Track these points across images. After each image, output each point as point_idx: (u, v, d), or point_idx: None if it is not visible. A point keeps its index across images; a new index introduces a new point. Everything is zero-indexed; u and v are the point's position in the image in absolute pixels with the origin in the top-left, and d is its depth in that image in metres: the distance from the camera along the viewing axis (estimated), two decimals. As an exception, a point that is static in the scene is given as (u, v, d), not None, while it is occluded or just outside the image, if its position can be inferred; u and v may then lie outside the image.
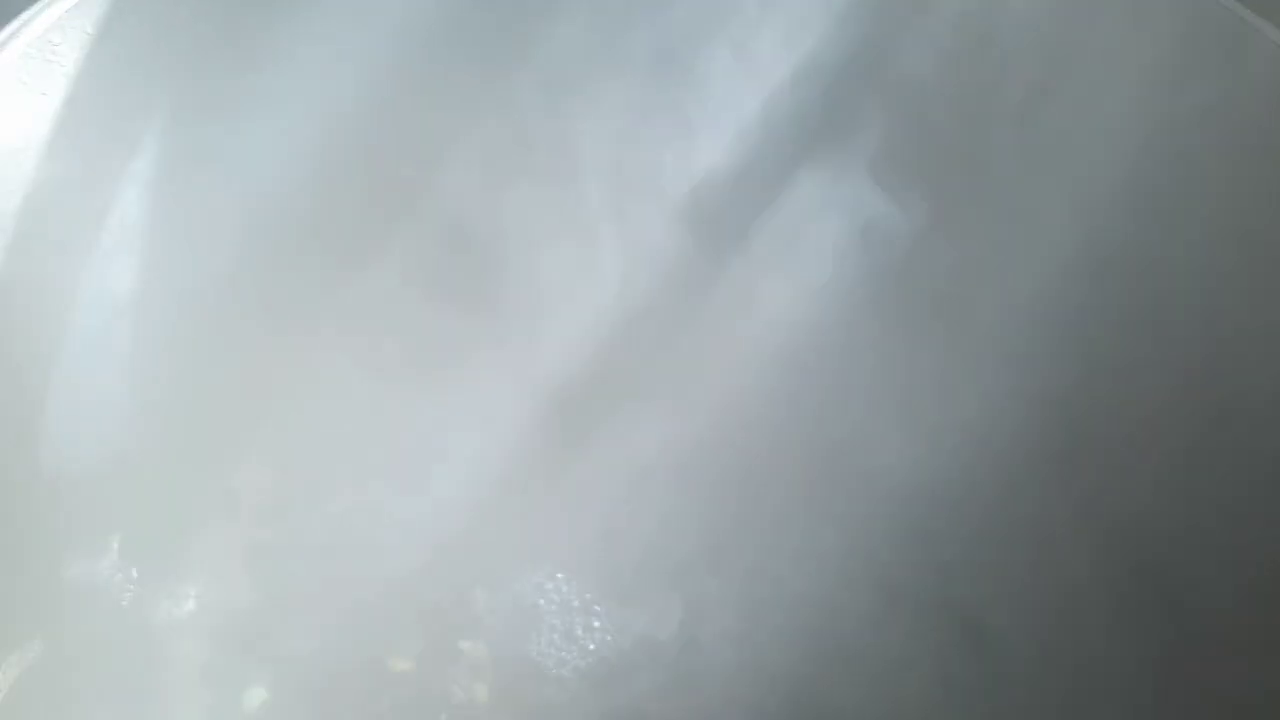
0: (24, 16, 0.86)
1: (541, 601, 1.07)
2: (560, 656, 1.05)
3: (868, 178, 1.03)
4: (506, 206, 1.09)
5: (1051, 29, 0.95)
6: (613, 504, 1.09)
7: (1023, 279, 1.01)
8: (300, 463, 1.14)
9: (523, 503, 1.10)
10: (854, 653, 1.02)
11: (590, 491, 1.09)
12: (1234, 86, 0.87)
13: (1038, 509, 1.04)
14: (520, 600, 1.08)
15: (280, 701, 1.03)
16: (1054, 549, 1.03)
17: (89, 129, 0.91)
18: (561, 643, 1.06)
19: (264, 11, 0.98)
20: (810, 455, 1.10)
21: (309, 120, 1.03)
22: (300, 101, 1.01)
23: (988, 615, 1.02)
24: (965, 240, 1.04)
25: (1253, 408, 0.90)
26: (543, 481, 1.09)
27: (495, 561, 1.09)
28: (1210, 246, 0.92)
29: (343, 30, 1.01)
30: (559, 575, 1.08)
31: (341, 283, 1.11)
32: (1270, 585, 0.88)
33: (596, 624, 1.06)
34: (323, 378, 1.11)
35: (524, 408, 1.11)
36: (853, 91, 1.01)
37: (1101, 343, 1.00)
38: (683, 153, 1.06)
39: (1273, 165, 0.87)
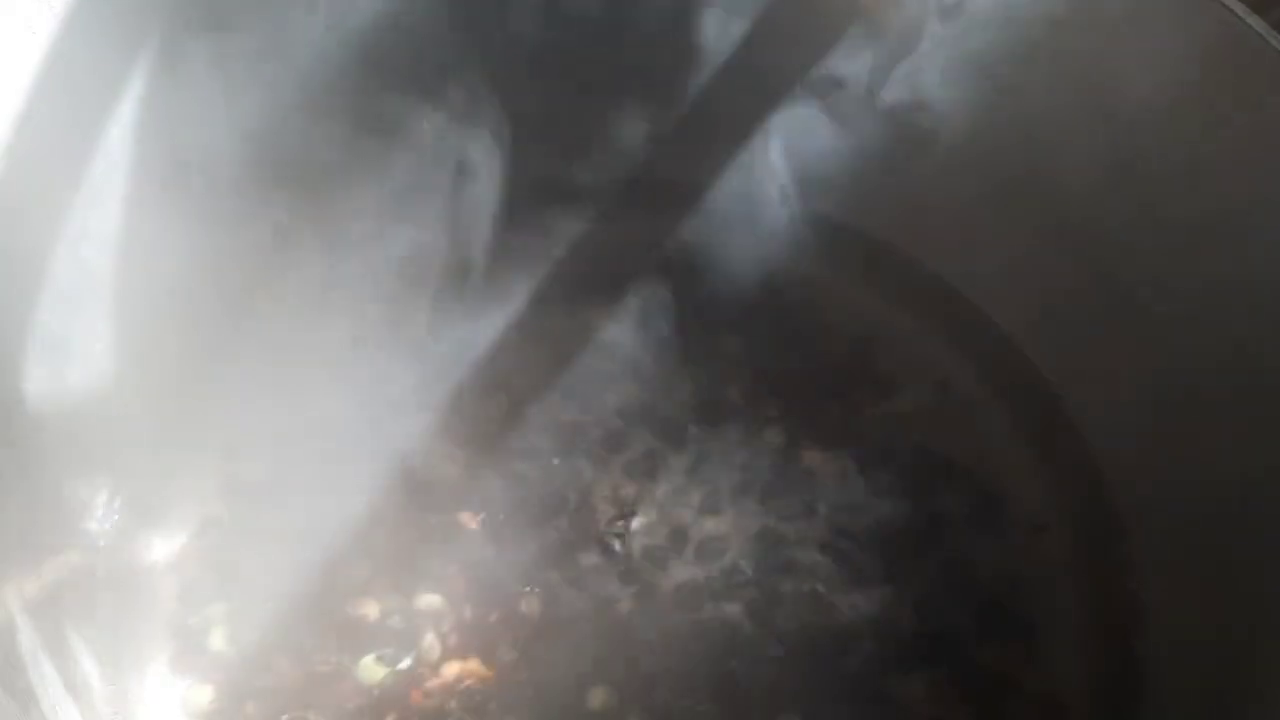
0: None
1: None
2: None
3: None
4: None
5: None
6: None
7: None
8: (280, 401, 1.16)
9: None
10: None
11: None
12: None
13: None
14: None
15: (244, 637, 1.05)
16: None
17: (77, 68, 0.91)
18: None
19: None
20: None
21: (291, 64, 1.04)
22: (282, 49, 1.02)
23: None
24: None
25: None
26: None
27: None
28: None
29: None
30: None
31: (323, 219, 1.14)
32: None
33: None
34: (307, 316, 1.13)
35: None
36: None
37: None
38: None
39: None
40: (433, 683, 1.03)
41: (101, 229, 1.00)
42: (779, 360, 1.22)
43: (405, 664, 1.04)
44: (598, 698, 1.02)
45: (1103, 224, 1.06)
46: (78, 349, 1.03)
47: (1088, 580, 1.10)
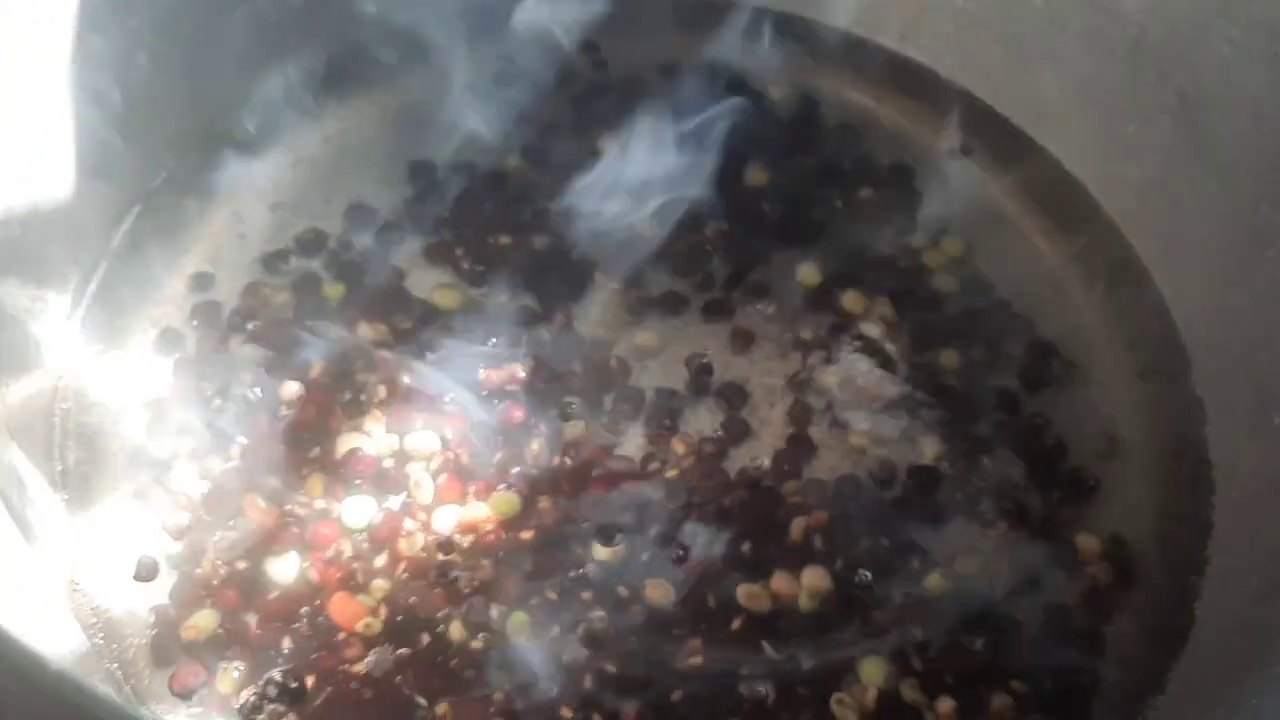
0: None
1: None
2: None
3: None
4: None
5: None
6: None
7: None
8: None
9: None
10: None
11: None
12: None
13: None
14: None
15: (214, 472, 0.95)
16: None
17: None
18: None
19: None
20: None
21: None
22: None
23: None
24: None
25: None
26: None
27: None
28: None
29: None
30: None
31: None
32: None
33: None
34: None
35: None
36: None
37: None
38: None
39: None
40: (424, 528, 0.93)
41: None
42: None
43: (394, 507, 0.94)
44: (602, 549, 0.92)
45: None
46: (36, 162, 0.94)
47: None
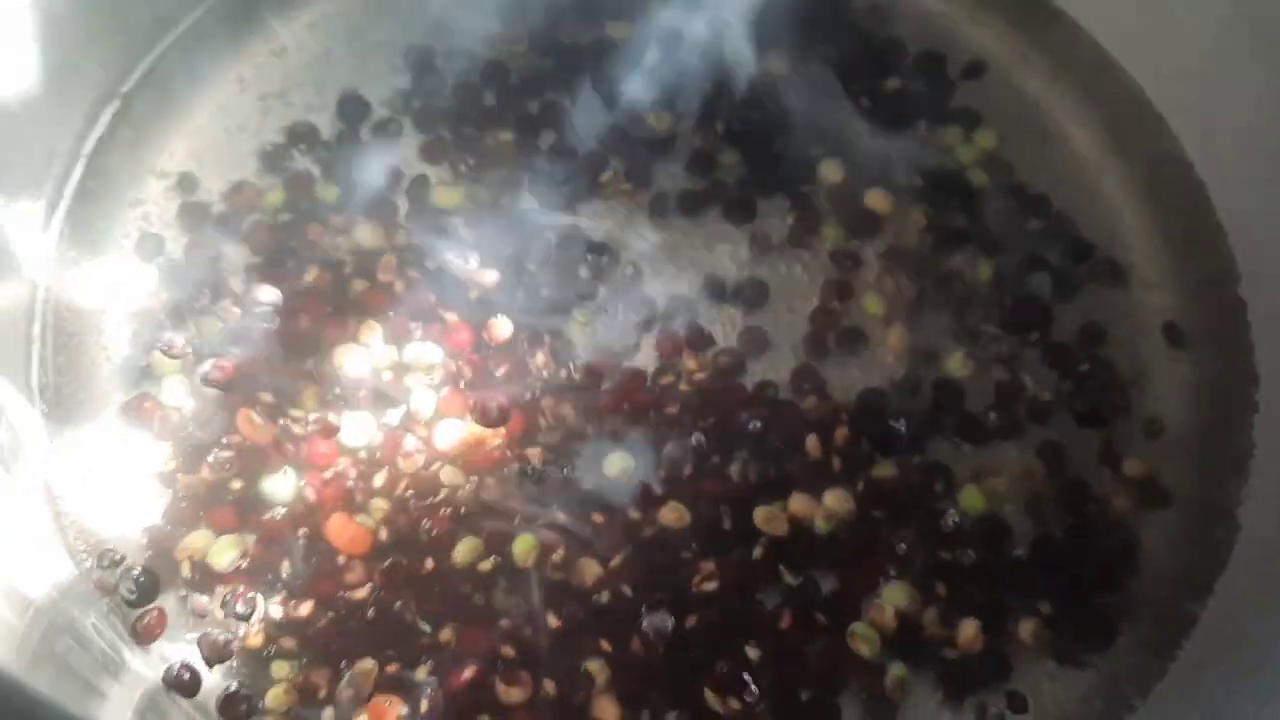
0: None
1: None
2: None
3: None
4: None
5: None
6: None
7: None
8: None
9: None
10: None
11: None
12: None
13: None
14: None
15: (204, 389, 0.90)
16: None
17: None
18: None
19: None
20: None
21: None
22: None
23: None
24: None
25: None
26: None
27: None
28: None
29: None
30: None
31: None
32: None
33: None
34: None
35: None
36: None
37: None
38: None
39: None
40: (425, 445, 0.88)
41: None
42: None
43: (393, 422, 0.90)
44: (615, 464, 0.87)
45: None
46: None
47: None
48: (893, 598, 0.84)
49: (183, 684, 0.82)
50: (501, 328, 0.92)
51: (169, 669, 0.82)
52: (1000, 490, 0.88)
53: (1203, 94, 0.97)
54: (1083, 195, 1.00)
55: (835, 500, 0.86)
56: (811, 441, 0.89)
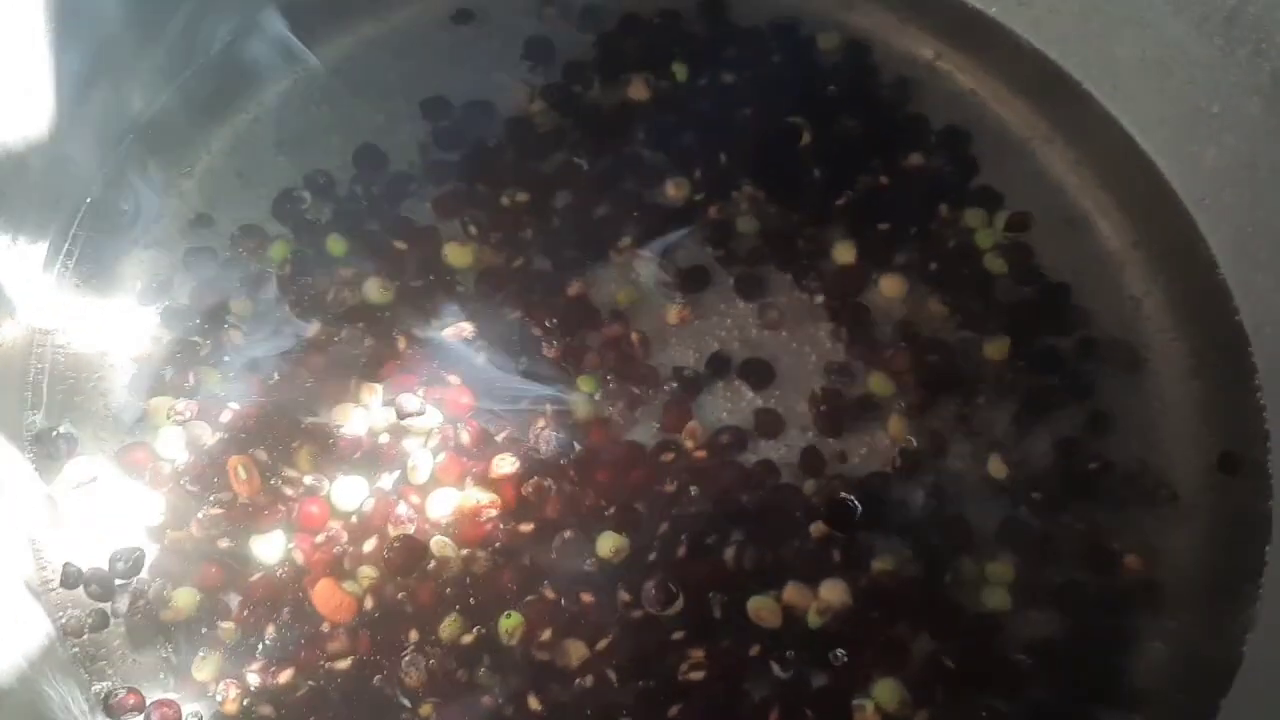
0: None
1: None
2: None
3: None
4: None
5: None
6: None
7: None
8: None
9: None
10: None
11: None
12: None
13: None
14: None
15: (202, 443, 0.89)
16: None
17: None
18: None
19: None
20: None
21: None
22: None
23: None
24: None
25: None
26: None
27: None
28: None
29: None
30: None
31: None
32: None
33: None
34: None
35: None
36: None
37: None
38: None
39: None
40: (418, 511, 0.87)
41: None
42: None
43: (387, 487, 0.89)
44: (607, 543, 0.85)
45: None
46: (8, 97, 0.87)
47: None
48: (883, 697, 0.82)
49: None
50: (503, 395, 0.91)
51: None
52: (1009, 585, 0.87)
53: (1233, 191, 0.95)
54: (1103, 286, 0.98)
55: (832, 593, 0.85)
56: (817, 528, 0.87)
